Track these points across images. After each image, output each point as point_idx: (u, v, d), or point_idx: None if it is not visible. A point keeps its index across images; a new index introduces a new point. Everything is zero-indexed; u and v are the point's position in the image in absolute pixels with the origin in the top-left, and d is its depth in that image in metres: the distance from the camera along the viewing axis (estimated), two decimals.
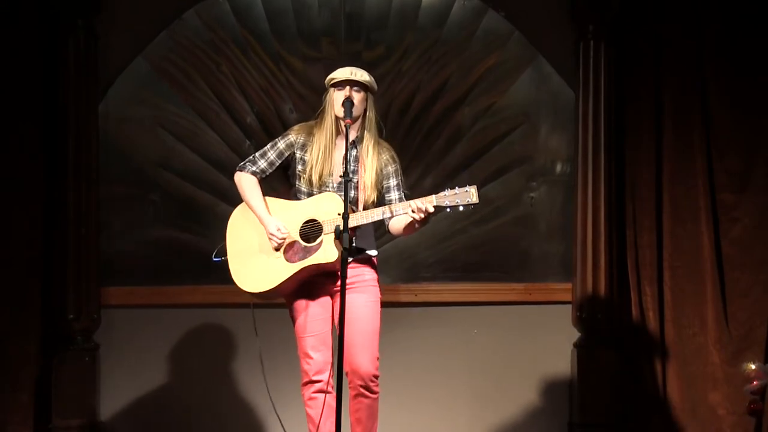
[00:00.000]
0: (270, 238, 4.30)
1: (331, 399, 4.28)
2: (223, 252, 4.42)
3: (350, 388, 4.30)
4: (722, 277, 5.50)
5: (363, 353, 4.24)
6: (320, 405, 4.27)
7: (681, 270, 5.52)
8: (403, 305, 5.70)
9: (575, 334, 5.65)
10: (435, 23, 5.74)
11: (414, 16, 5.73)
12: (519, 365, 5.72)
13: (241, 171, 4.44)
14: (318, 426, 4.27)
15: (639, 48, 5.58)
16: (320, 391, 4.30)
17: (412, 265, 5.79)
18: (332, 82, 4.31)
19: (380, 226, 4.36)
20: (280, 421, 4.57)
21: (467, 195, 4.09)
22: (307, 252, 4.26)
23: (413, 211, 4.11)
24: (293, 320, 4.37)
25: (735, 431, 5.39)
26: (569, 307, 5.67)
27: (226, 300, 5.62)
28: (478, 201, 4.11)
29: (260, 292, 4.32)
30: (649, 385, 5.53)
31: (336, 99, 4.28)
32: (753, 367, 5.21)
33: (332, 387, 4.28)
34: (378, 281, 4.40)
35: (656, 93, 5.57)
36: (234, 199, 5.70)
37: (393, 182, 4.36)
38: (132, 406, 5.65)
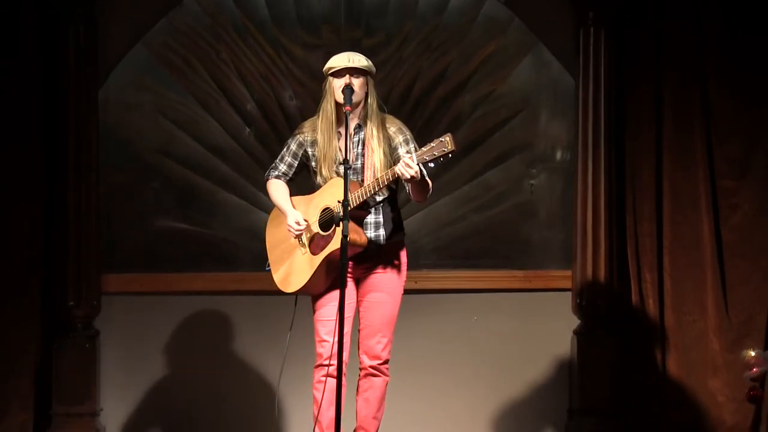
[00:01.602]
0: (288, 230, 4.35)
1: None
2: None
3: (361, 368, 4.41)
4: (722, 264, 5.50)
5: (379, 337, 4.37)
6: (326, 389, 4.32)
7: (681, 257, 5.52)
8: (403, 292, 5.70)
9: (575, 321, 5.64)
10: (435, 10, 5.73)
11: (414, 3, 5.72)
12: (519, 352, 5.73)
13: (267, 180, 4.54)
14: (319, 409, 4.30)
15: (639, 41, 5.57)
16: (329, 375, 4.33)
17: (412, 252, 5.71)
18: (331, 71, 4.30)
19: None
20: (277, 407, 4.59)
21: (443, 145, 4.01)
22: (327, 240, 4.29)
23: (402, 168, 4.05)
24: (315, 304, 4.39)
25: (735, 418, 5.39)
26: (569, 294, 5.67)
27: (227, 287, 5.65)
28: (454, 148, 4.01)
29: (295, 291, 4.36)
30: (648, 372, 5.54)
31: (336, 87, 4.29)
32: (753, 353, 5.23)
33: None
34: (404, 265, 4.45)
35: (656, 82, 5.56)
36: (235, 186, 5.74)
37: (405, 150, 4.31)
38: (132, 393, 5.66)
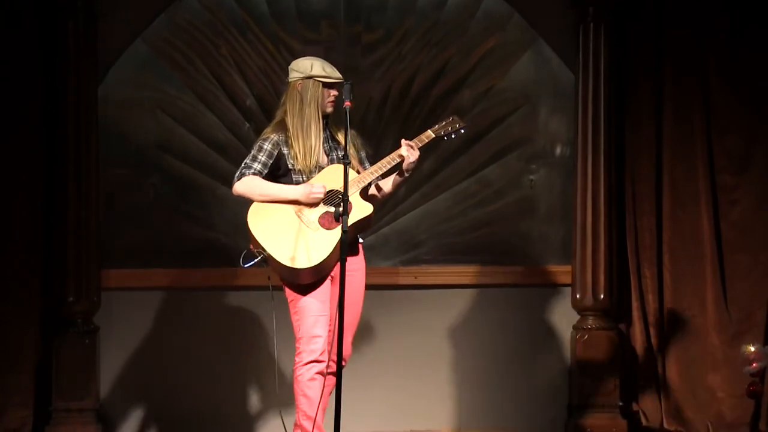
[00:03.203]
0: (310, 197, 4.33)
1: (327, 380, 4.35)
2: (250, 256, 4.39)
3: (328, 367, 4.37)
4: (722, 260, 5.51)
5: (350, 337, 4.48)
6: (320, 386, 4.31)
7: (681, 252, 5.53)
8: (402, 288, 5.70)
9: (575, 317, 5.65)
10: (434, 5, 5.73)
11: None
12: (519, 348, 5.73)
13: (240, 179, 4.43)
14: (318, 407, 4.29)
15: (639, 37, 5.58)
16: (321, 372, 4.32)
17: (411, 248, 5.79)
18: (323, 79, 4.39)
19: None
20: (281, 415, 4.59)
21: (454, 122, 4.56)
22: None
23: (411, 148, 4.41)
24: (300, 301, 4.35)
25: (734, 413, 5.41)
26: (569, 289, 5.67)
27: (226, 283, 5.64)
28: (466, 124, 4.59)
29: (320, 263, 4.29)
30: (648, 368, 5.55)
31: (325, 95, 4.42)
32: (752, 349, 5.23)
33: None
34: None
35: (657, 75, 5.57)
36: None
37: (363, 154, 4.56)
38: (131, 388, 5.65)
